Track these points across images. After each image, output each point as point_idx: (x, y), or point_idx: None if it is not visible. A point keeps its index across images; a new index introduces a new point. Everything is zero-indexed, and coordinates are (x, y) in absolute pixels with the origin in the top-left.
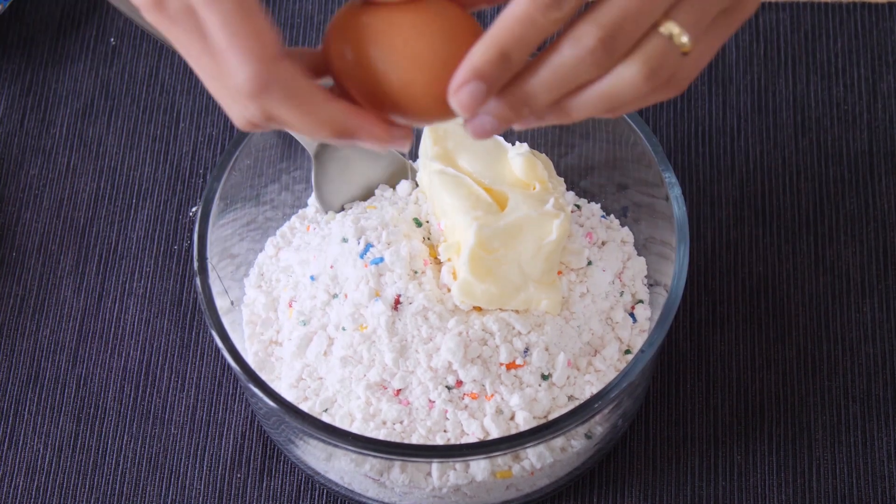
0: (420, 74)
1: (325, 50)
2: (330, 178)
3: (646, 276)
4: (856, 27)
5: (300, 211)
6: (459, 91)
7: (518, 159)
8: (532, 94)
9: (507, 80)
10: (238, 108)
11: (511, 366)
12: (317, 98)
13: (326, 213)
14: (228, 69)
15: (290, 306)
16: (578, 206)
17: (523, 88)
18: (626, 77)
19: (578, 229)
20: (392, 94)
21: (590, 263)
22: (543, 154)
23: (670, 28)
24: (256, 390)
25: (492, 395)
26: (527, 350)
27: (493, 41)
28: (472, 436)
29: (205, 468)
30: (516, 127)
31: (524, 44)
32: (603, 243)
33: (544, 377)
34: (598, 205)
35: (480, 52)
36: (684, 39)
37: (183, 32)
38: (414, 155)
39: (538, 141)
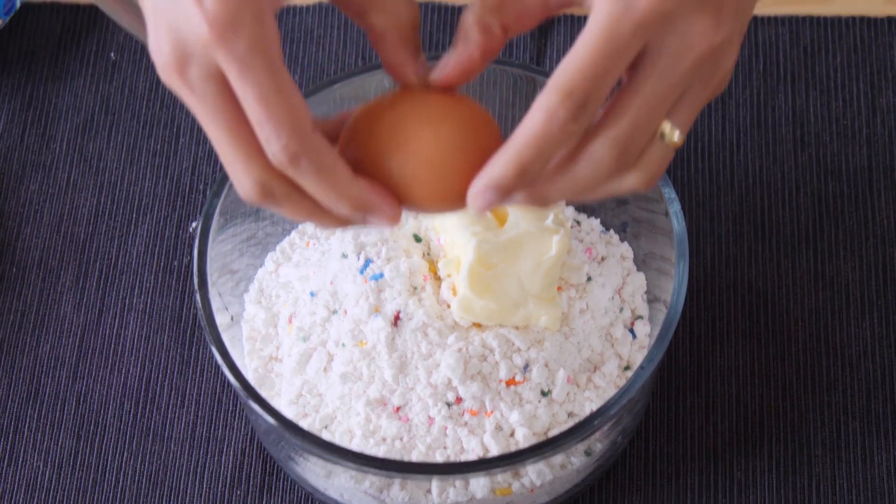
0: (426, 171)
1: (342, 142)
2: None
3: (645, 292)
4: (855, 42)
5: (300, 227)
6: (477, 197)
7: None
8: (546, 197)
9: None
10: (247, 179)
11: (511, 382)
12: (342, 173)
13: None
14: (262, 139)
15: (290, 322)
16: (578, 222)
17: (539, 191)
18: (629, 183)
19: (578, 245)
20: (398, 188)
21: (589, 279)
22: None
23: (664, 128)
24: (256, 407)
25: (491, 412)
26: (526, 366)
27: (513, 157)
28: (472, 452)
29: (205, 485)
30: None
31: (542, 159)
32: (602, 259)
33: (544, 393)
34: (598, 220)
35: (500, 166)
36: (676, 138)
37: (202, 100)
38: None
39: None
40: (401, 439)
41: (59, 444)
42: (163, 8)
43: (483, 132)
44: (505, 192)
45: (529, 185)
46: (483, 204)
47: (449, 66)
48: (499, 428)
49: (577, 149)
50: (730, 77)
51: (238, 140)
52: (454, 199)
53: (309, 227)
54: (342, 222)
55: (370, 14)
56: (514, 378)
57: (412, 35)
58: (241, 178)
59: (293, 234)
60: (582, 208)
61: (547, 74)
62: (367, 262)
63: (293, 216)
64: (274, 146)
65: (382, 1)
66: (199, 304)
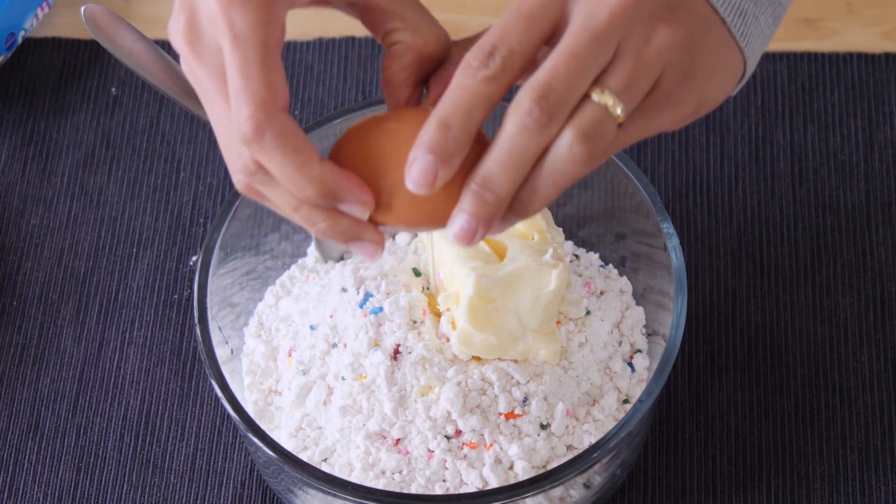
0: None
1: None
2: None
3: (644, 326)
4: (853, 78)
5: (300, 260)
6: (411, 167)
7: None
8: (489, 175)
9: (455, 152)
10: (235, 156)
11: (510, 415)
12: (309, 153)
13: (326, 262)
14: (234, 109)
15: (290, 356)
16: (577, 256)
17: (481, 172)
18: (563, 146)
19: (577, 279)
20: (380, 203)
21: (588, 313)
22: None
23: (604, 98)
24: (256, 440)
25: (491, 445)
26: (525, 400)
27: (433, 114)
28: (471, 485)
29: None
30: (491, 234)
31: (460, 109)
32: (601, 293)
33: (543, 427)
34: (597, 254)
35: (425, 129)
36: (619, 111)
37: (207, 68)
38: None
39: None
40: (400, 472)
41: (60, 476)
42: None
43: (471, 151)
44: (434, 152)
45: (456, 143)
46: (417, 174)
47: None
48: (498, 461)
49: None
50: (679, 60)
51: (230, 121)
52: (434, 216)
53: (309, 261)
54: (319, 214)
55: (401, 31)
56: (513, 411)
57: (428, 65)
58: (230, 160)
59: (293, 268)
60: (581, 243)
61: None
62: (367, 295)
63: (279, 208)
64: (241, 116)
65: (418, 23)
66: (199, 338)
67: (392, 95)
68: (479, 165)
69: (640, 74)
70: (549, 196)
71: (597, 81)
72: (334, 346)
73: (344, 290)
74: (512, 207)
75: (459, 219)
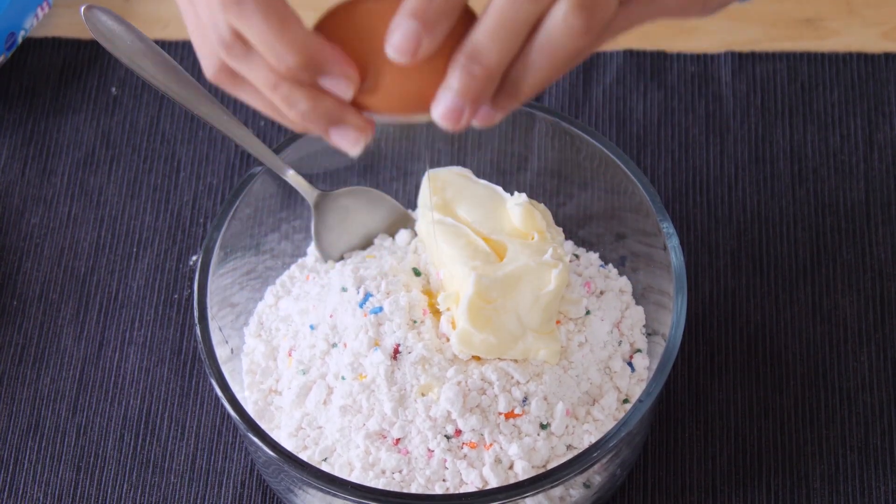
0: (391, 65)
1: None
2: (329, 227)
3: (644, 326)
4: (852, 78)
5: (300, 260)
6: (393, 33)
7: (517, 209)
8: (477, 46)
9: (440, 19)
10: (210, 32)
11: (510, 415)
12: (291, 18)
13: (326, 262)
14: None
15: (290, 355)
16: (577, 256)
17: (468, 44)
18: (559, 16)
19: (577, 279)
20: (363, 86)
21: (588, 313)
22: (542, 204)
23: None
24: (256, 439)
25: (490, 445)
26: (525, 399)
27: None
28: (471, 485)
29: None
30: (478, 123)
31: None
32: (601, 293)
33: (543, 426)
34: (597, 254)
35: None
36: None
37: None
38: (413, 204)
39: (537, 191)
40: (400, 472)
41: (60, 476)
42: None
43: (456, 28)
44: (418, 18)
45: (440, 9)
46: (400, 40)
47: None
48: (498, 461)
49: None
50: None
51: None
52: (420, 98)
53: (309, 261)
54: (299, 93)
55: None
56: (513, 411)
57: None
58: (202, 43)
59: (293, 267)
60: (581, 242)
61: None
62: (367, 295)
63: (256, 90)
64: None
65: None
66: (199, 338)
67: None
68: (467, 38)
69: None
70: (543, 74)
71: None
72: (334, 345)
73: (344, 289)
74: (503, 88)
75: (445, 97)
